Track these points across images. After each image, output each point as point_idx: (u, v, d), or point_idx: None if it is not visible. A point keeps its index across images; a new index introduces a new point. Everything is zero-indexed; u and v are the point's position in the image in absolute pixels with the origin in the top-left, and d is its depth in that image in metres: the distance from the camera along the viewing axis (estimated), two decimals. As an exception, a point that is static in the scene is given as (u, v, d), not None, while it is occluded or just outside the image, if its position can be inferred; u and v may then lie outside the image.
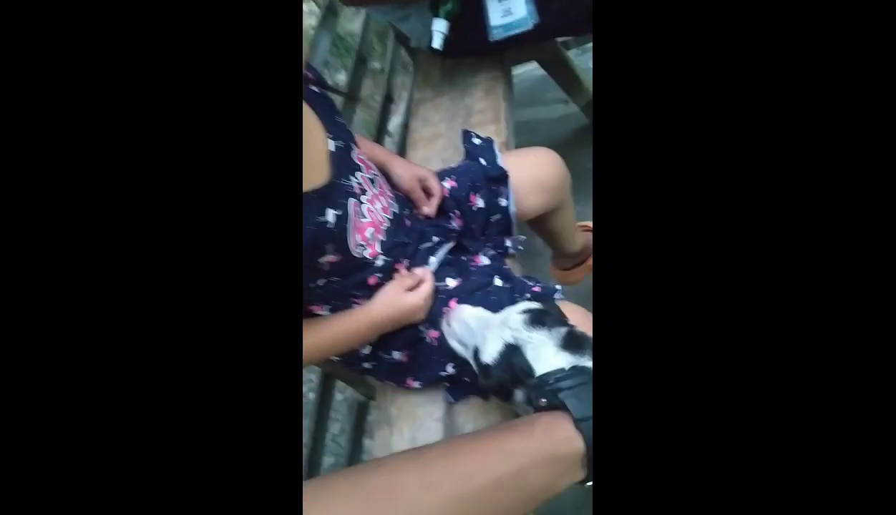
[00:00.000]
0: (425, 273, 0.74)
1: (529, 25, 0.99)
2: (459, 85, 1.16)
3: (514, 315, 0.58)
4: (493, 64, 1.15)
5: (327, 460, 1.40)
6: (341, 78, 1.69)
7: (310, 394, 1.46)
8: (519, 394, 0.55)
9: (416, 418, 0.78)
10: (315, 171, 0.64)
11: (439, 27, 1.01)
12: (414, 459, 0.43)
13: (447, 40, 1.02)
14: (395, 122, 1.66)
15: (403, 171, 0.83)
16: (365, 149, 0.77)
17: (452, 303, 0.74)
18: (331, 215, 0.63)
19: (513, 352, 0.54)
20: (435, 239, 0.81)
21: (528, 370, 0.52)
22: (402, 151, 1.22)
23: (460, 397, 0.77)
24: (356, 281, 0.71)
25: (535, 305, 0.60)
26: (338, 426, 1.57)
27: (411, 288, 0.72)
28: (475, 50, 1.12)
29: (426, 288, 0.72)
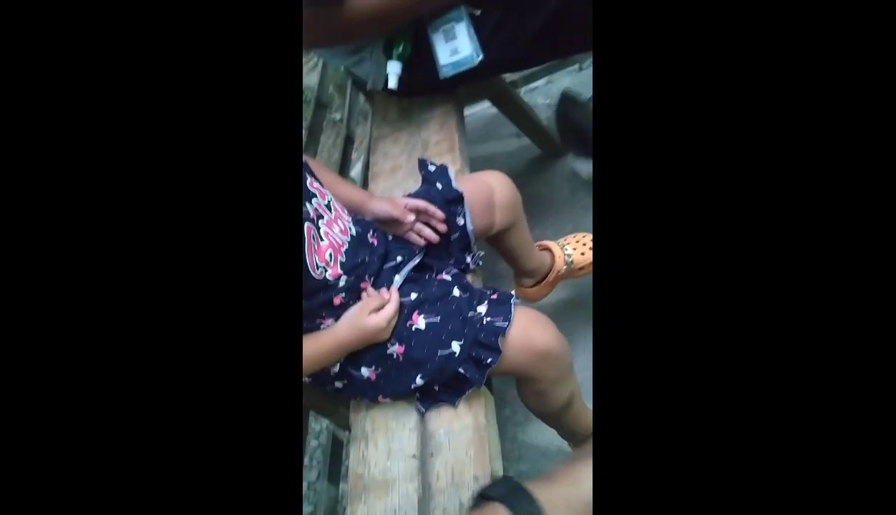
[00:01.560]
0: (390, 293, 0.78)
1: (475, 61, 1.08)
2: (415, 120, 1.24)
3: None
4: (447, 100, 1.23)
5: (306, 508, 1.38)
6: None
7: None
8: None
9: (389, 429, 0.80)
10: None
11: (394, 69, 1.09)
12: None
13: (401, 81, 1.10)
14: (356, 167, 1.74)
15: (383, 203, 0.88)
16: (336, 189, 0.84)
17: (415, 317, 0.79)
18: None
19: None
20: (399, 257, 0.86)
21: None
22: (364, 185, 1.28)
23: (430, 406, 0.80)
24: (321, 302, 0.75)
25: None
26: (314, 473, 1.55)
27: (376, 310, 0.76)
28: (428, 88, 1.20)
29: (390, 309, 0.76)
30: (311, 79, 1.92)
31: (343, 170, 1.52)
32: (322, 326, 0.77)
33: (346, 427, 0.93)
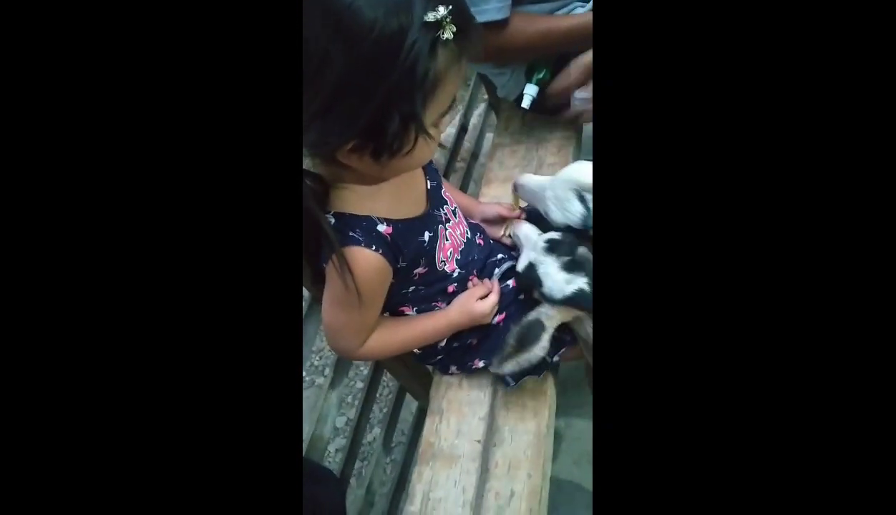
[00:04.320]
0: (494, 285, 0.92)
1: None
2: (536, 137, 1.33)
3: (540, 242, 0.86)
4: (568, 125, 1.32)
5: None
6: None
7: (358, 383, 1.62)
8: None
9: (462, 414, 0.94)
10: (419, 203, 0.84)
11: (531, 91, 1.18)
12: None
13: (535, 103, 1.19)
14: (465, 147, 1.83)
15: (487, 207, 1.05)
16: (451, 192, 0.98)
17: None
18: (426, 236, 0.82)
19: (531, 268, 0.84)
20: (500, 255, 1.00)
21: (538, 282, 0.83)
22: (468, 183, 1.38)
23: (519, 378, 0.90)
24: (438, 289, 0.89)
25: (555, 235, 0.85)
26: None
27: (482, 297, 0.89)
28: (554, 112, 1.29)
29: (493, 298, 0.90)
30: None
31: (451, 157, 1.63)
32: (435, 308, 0.91)
33: (424, 406, 1.06)
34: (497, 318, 0.93)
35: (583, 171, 0.85)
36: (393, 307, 0.89)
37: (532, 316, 0.84)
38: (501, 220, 1.03)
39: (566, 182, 0.86)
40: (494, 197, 1.24)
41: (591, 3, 1.15)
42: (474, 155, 1.69)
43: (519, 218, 1.00)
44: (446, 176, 1.56)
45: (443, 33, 0.60)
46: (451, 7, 0.60)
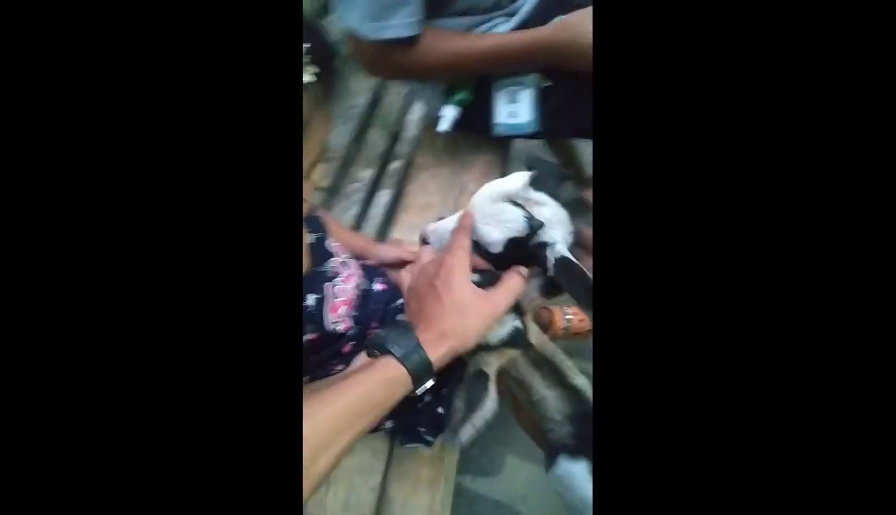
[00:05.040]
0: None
1: (529, 131, 1.06)
2: (460, 159, 1.23)
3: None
4: (496, 148, 1.22)
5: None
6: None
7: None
8: None
9: (352, 485, 0.84)
10: None
11: (449, 113, 1.08)
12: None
13: (456, 124, 1.09)
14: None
15: (390, 247, 0.94)
16: (342, 237, 0.86)
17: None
18: (311, 299, 0.71)
19: None
20: (401, 301, 0.88)
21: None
22: (391, 208, 1.28)
23: (408, 442, 0.83)
24: (332, 353, 0.78)
25: (475, 277, 0.71)
26: None
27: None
28: (477, 132, 1.19)
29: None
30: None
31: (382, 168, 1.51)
32: (332, 373, 0.80)
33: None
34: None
35: (499, 183, 0.72)
36: None
37: (470, 369, 0.74)
38: (402, 264, 0.93)
39: (489, 199, 0.72)
40: (412, 226, 1.14)
41: (515, 17, 1.04)
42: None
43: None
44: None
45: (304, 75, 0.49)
46: (308, 45, 0.49)
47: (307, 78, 0.51)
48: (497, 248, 0.70)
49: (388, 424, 0.82)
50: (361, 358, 0.78)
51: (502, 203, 0.72)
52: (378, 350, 0.60)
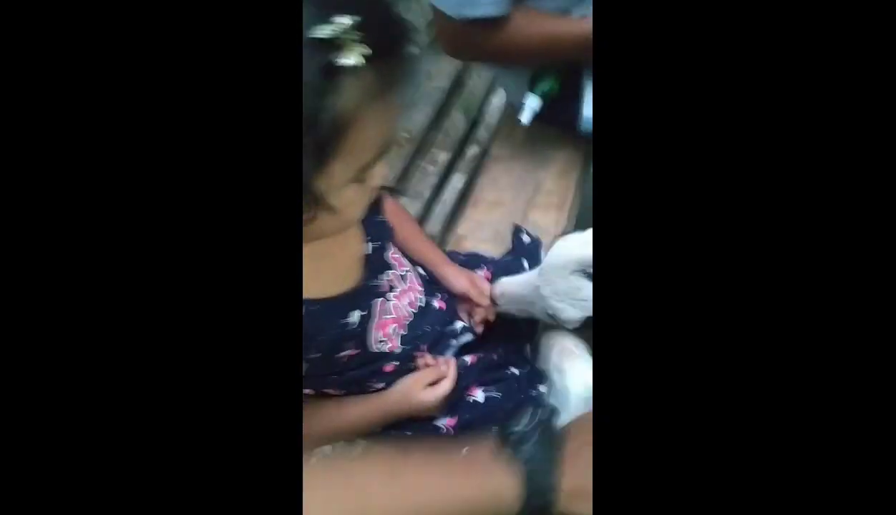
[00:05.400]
0: (450, 368, 0.71)
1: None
2: (538, 153, 1.13)
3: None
4: (578, 143, 1.12)
5: None
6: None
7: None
8: None
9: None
10: (347, 275, 0.65)
11: (532, 103, 0.98)
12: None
13: (537, 116, 0.99)
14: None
15: (461, 278, 0.81)
16: (410, 240, 0.77)
17: (473, 390, 0.74)
18: (355, 316, 0.64)
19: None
20: (460, 325, 0.79)
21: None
22: (460, 201, 1.20)
23: None
24: (372, 371, 0.70)
25: None
26: None
27: (431, 384, 0.70)
28: (560, 126, 1.09)
29: (446, 385, 0.70)
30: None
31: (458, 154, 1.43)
32: (368, 390, 0.72)
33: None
34: (446, 421, 0.72)
35: (574, 247, 0.64)
36: (314, 385, 0.70)
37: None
38: (466, 300, 0.80)
39: (563, 268, 0.65)
40: (475, 226, 1.06)
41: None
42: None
43: (488, 309, 0.78)
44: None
45: (344, 56, 0.42)
46: (359, 19, 0.40)
47: (352, 60, 0.41)
48: (574, 325, 0.68)
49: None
50: (405, 382, 0.71)
51: (577, 276, 0.64)
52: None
